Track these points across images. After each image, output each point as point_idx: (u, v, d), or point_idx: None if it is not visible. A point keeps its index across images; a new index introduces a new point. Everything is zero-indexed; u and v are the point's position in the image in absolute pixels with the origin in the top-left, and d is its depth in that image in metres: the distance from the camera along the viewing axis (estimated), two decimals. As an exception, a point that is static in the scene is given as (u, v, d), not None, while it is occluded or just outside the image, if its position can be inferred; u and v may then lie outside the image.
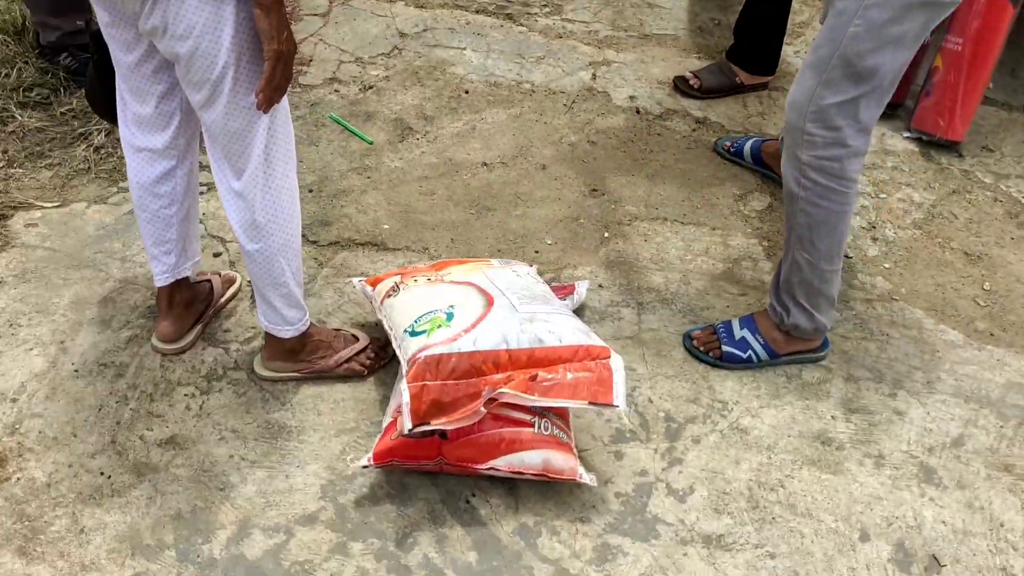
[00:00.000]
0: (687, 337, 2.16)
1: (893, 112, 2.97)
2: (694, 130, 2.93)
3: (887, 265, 2.46)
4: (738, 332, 2.11)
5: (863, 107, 1.77)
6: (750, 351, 2.09)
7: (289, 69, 1.62)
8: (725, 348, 2.10)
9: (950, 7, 1.72)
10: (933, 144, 2.88)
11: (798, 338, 2.08)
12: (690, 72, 3.09)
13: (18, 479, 1.77)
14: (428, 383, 1.71)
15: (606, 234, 2.49)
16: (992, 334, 2.26)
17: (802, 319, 2.03)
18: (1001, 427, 2.02)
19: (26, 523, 1.70)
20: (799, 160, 1.85)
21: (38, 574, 1.62)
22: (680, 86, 3.07)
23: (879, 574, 1.72)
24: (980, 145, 2.93)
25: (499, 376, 1.72)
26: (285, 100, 1.75)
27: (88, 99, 2.04)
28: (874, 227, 2.58)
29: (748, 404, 2.03)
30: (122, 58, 1.75)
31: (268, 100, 1.61)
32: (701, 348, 2.12)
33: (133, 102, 1.82)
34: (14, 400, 1.92)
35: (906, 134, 2.93)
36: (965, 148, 2.90)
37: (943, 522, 1.82)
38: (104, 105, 1.95)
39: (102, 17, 1.70)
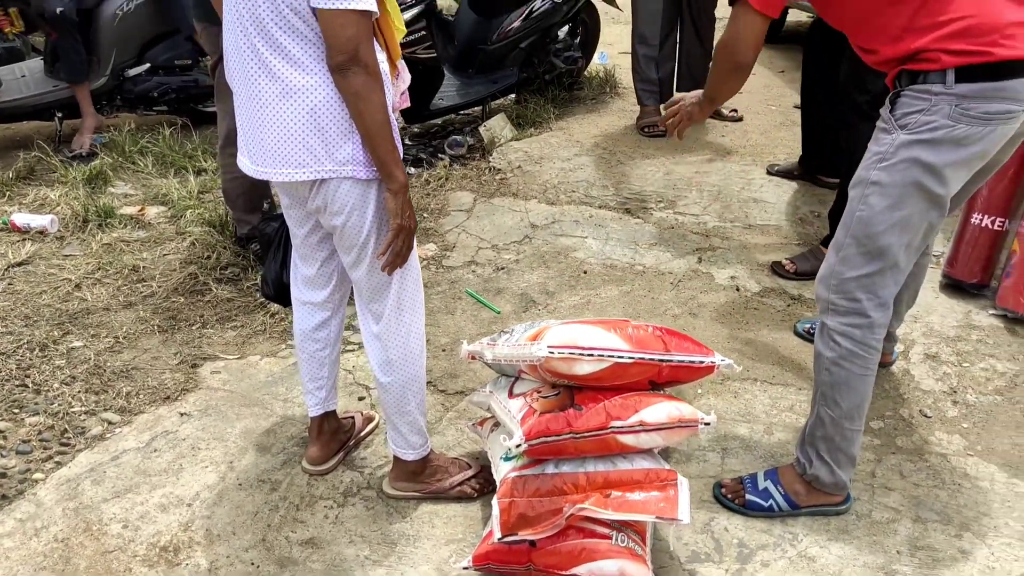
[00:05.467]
0: (717, 485, 2.37)
1: (979, 292, 3.18)
2: (788, 305, 3.22)
3: (965, 425, 2.61)
4: (762, 483, 2.32)
5: (879, 282, 2.05)
6: (771, 500, 2.28)
7: (409, 240, 2.07)
8: (748, 497, 2.30)
9: (945, 198, 2.00)
10: (1017, 320, 3.05)
11: (820, 491, 2.26)
12: (786, 259, 3.42)
13: (187, 565, 2.16)
14: (516, 499, 2.02)
15: (699, 390, 2.77)
16: (1071, 491, 2.36)
17: (823, 472, 2.22)
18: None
19: (190, 599, 2.08)
20: (826, 324, 2.13)
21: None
22: (777, 270, 3.40)
23: None
24: (1071, 321, 3.07)
25: (578, 496, 2.01)
26: (416, 262, 2.20)
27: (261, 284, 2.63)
28: (955, 392, 2.75)
29: (817, 536, 2.21)
30: (296, 231, 2.28)
31: (390, 263, 2.07)
32: (728, 495, 2.33)
33: (302, 265, 2.34)
34: (189, 505, 2.35)
35: (991, 311, 3.12)
36: (1054, 324, 3.05)
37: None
38: (271, 290, 2.52)
39: (283, 200, 2.24)
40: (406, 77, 2.22)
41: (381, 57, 2.01)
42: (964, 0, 1.88)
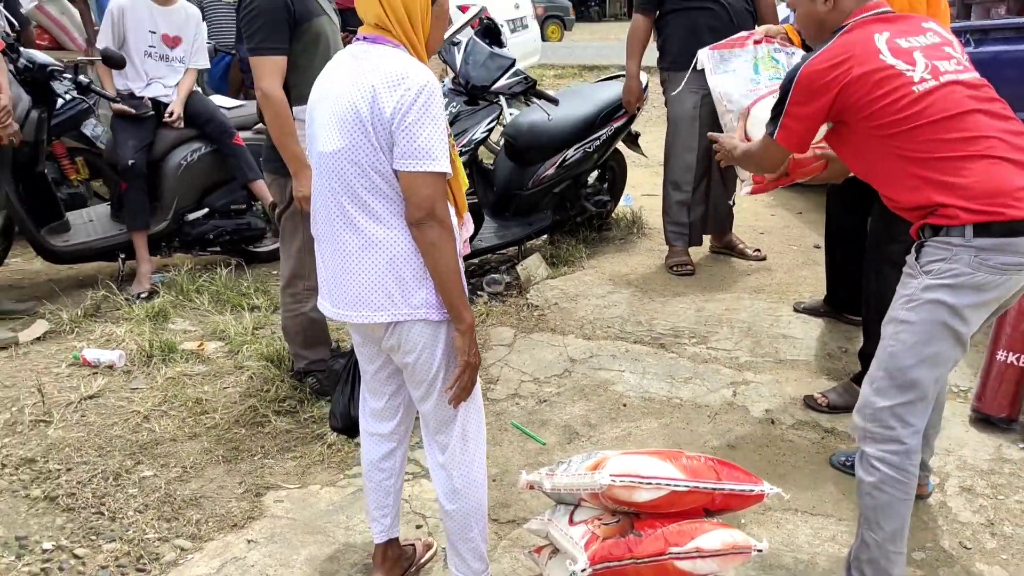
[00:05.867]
0: None
1: (1008, 426, 3.32)
2: (823, 438, 3.36)
3: (1005, 556, 2.71)
4: None
5: (910, 411, 2.26)
6: None
7: (474, 375, 2.26)
8: None
9: (966, 336, 2.22)
10: (1046, 452, 3.18)
11: None
12: (819, 393, 3.58)
13: None
14: None
15: (743, 520, 2.89)
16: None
17: None
18: None
19: None
20: (865, 452, 2.31)
21: None
22: (810, 404, 3.55)
23: None
24: (1098, 454, 3.19)
25: None
26: (479, 397, 2.39)
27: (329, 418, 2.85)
28: (992, 524, 2.85)
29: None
30: (367, 367, 2.47)
31: (457, 397, 2.25)
32: None
33: (371, 399, 2.52)
34: (260, 629, 2.46)
35: (1021, 445, 3.24)
36: (1082, 456, 3.16)
37: None
38: (339, 423, 2.71)
39: (355, 338, 2.45)
40: (470, 226, 2.47)
41: (450, 210, 2.26)
42: (978, 165, 2.14)
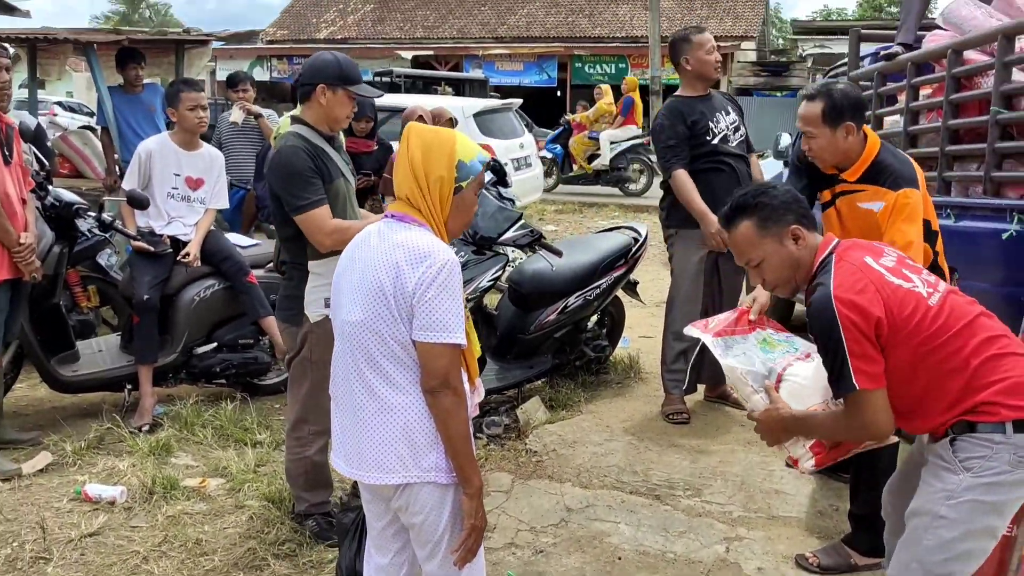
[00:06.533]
0: None
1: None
2: (816, 599, 3.40)
3: None
4: None
5: None
6: None
7: (480, 538, 2.36)
8: None
9: (1001, 530, 2.30)
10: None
11: None
12: (810, 552, 3.63)
13: None
14: None
15: None
16: None
17: None
18: None
19: None
20: None
21: None
22: (801, 563, 3.59)
23: None
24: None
25: None
26: (482, 557, 2.48)
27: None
28: None
29: None
30: (374, 523, 2.55)
31: (462, 559, 2.33)
32: None
33: (376, 555, 2.59)
34: None
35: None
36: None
37: None
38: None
39: (364, 495, 2.54)
40: (481, 392, 2.60)
41: (463, 375, 2.39)
42: (1009, 360, 2.27)
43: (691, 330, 3.03)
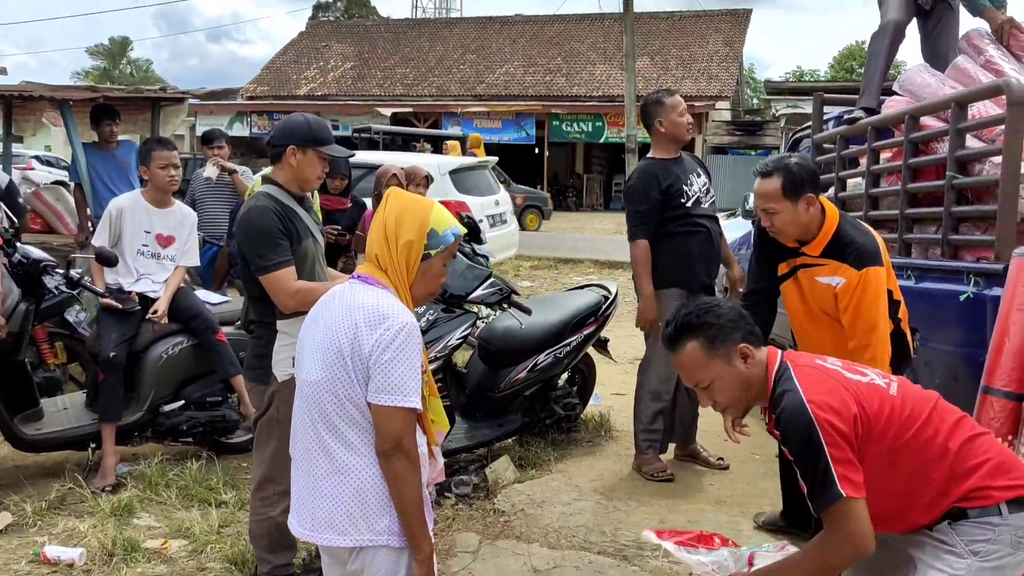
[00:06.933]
0: None
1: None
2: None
3: None
4: None
5: None
6: None
7: None
8: None
9: None
10: None
11: None
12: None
13: None
14: None
15: None
16: None
17: None
18: None
19: None
20: None
21: None
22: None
23: None
24: None
25: None
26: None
27: None
28: None
29: None
30: (330, 585, 2.53)
31: None
32: None
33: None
34: None
35: None
36: None
37: None
38: None
39: (324, 558, 2.52)
40: (439, 462, 2.60)
41: (421, 441, 2.40)
42: (982, 441, 2.31)
43: (649, 535, 3.16)
